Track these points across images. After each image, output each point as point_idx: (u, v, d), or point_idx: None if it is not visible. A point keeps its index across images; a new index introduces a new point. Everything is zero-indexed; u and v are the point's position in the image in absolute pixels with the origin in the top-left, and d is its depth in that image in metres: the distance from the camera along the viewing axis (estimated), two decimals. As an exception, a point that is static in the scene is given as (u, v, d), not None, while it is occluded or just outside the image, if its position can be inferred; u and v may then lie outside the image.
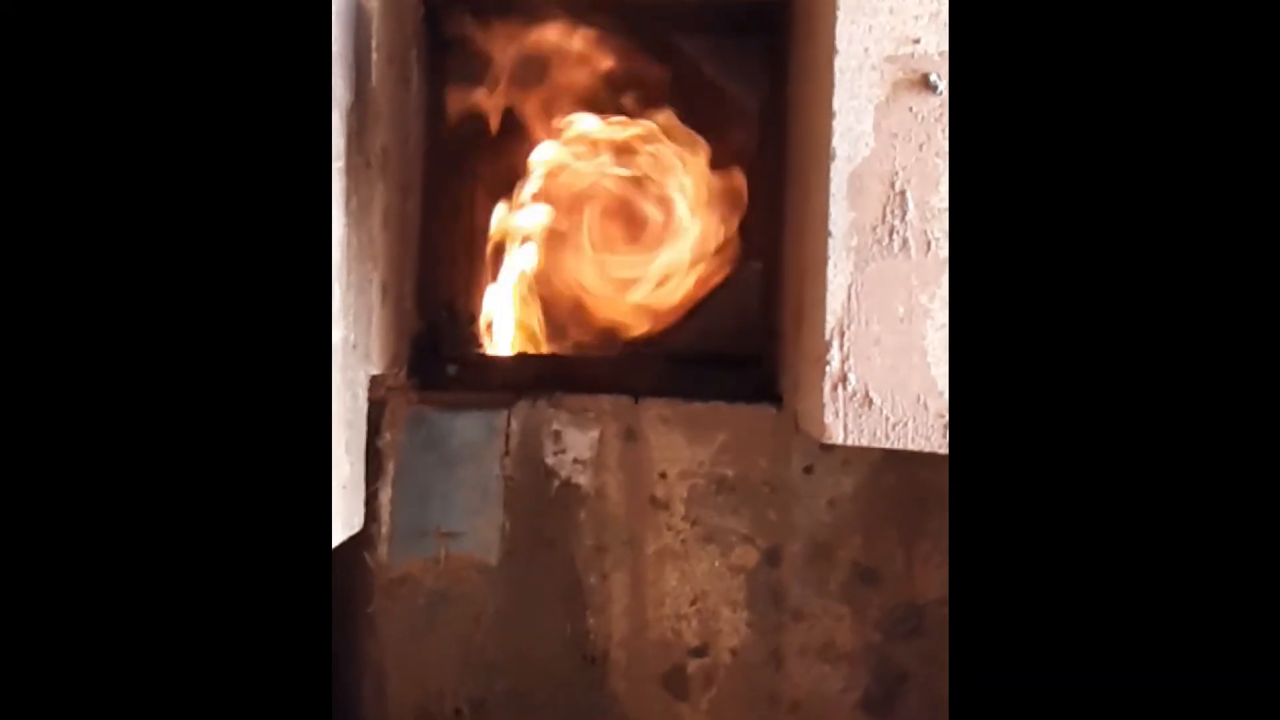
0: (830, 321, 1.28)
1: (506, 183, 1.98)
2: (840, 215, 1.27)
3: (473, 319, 1.92)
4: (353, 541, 1.51)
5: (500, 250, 2.00)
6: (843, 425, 1.29)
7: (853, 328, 1.28)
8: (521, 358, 1.95)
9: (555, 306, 1.99)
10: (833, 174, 1.27)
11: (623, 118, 1.95)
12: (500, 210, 1.96)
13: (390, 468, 1.79)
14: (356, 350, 1.41)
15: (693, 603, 1.82)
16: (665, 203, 1.96)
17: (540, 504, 1.82)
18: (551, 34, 1.89)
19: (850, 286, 1.28)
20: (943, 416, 1.26)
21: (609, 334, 1.97)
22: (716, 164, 1.93)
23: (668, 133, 1.94)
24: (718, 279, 1.95)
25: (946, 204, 1.25)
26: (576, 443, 1.81)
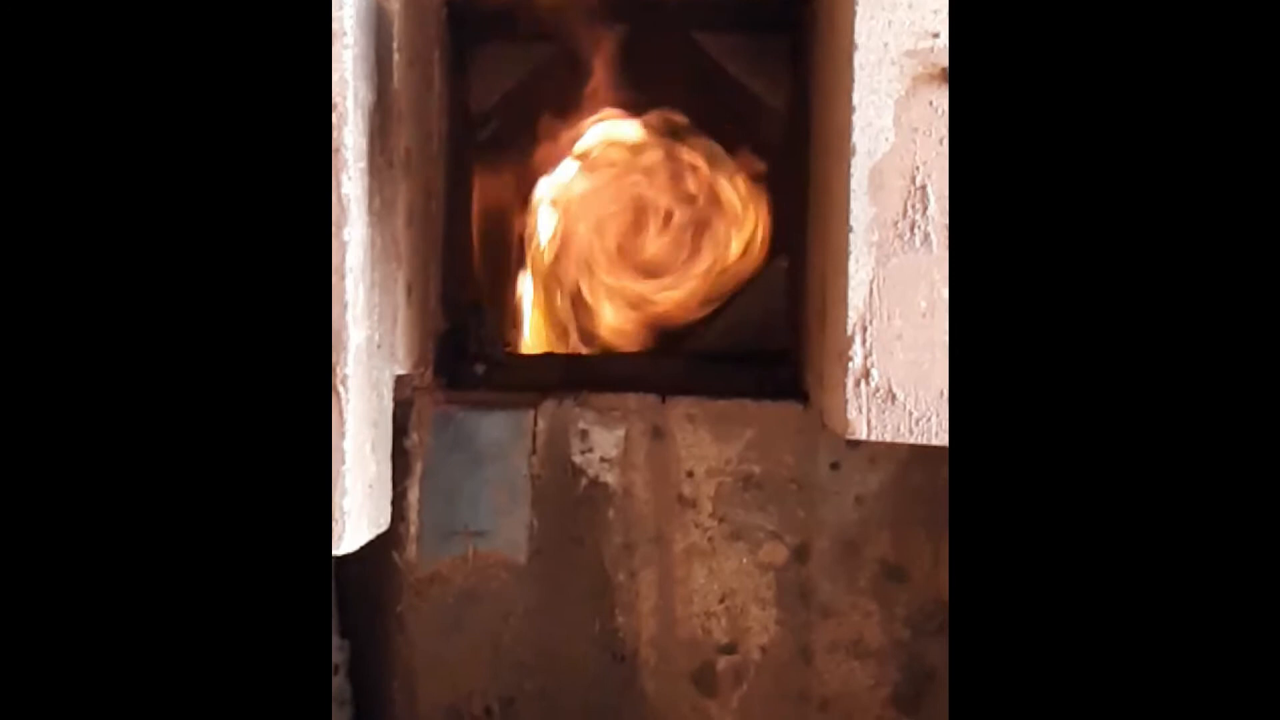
0: (852, 317, 1.28)
1: (531, 185, 1.99)
2: (861, 210, 1.27)
3: (499, 319, 1.93)
4: (381, 541, 1.51)
5: (526, 251, 2.01)
6: (866, 421, 1.29)
7: (875, 323, 1.27)
8: (547, 357, 1.96)
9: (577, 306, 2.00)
10: (853, 169, 1.27)
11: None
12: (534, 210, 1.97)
13: (417, 467, 1.80)
14: (381, 350, 1.42)
15: (721, 600, 1.82)
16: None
17: (568, 503, 1.82)
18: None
19: (872, 282, 1.28)
20: (966, 411, 1.26)
21: (634, 333, 1.98)
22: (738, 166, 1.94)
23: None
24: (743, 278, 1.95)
25: (967, 198, 1.24)
26: (603, 441, 1.82)
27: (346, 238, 1.26)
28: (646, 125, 1.98)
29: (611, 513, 1.82)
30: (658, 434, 1.81)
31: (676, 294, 1.98)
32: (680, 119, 1.96)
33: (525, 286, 2.02)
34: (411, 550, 1.82)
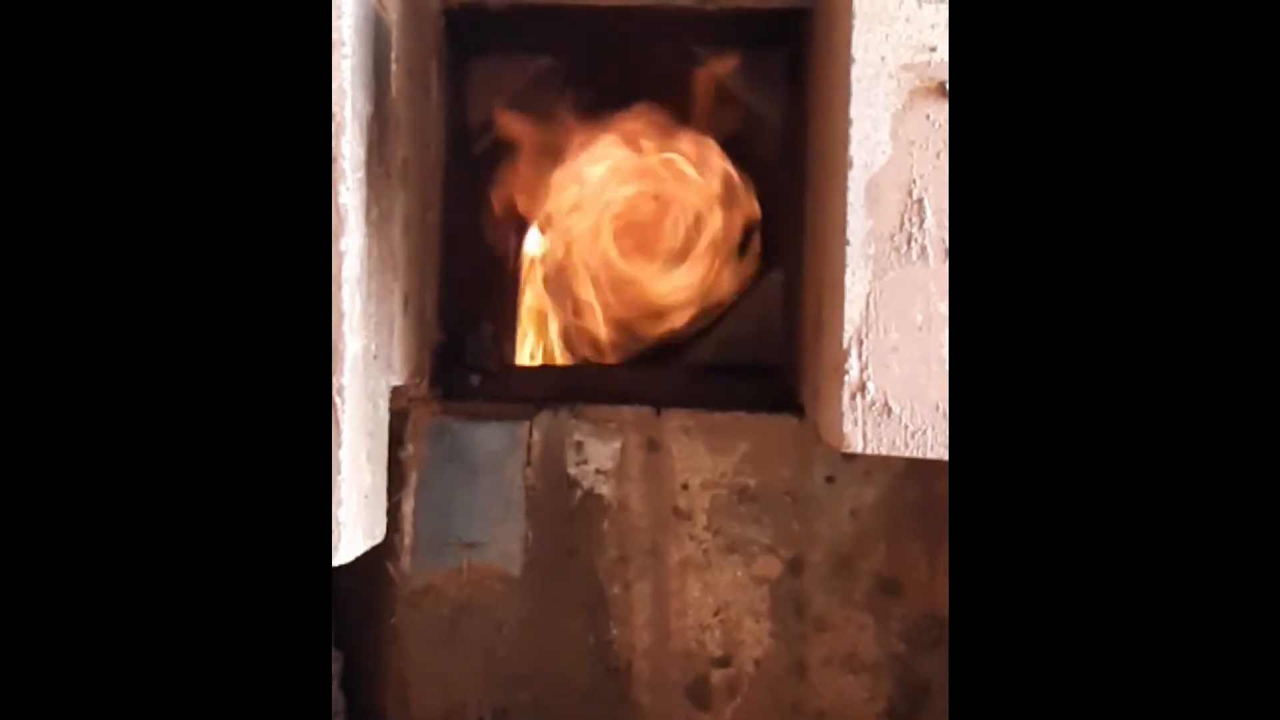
0: (848, 330, 1.28)
1: (531, 196, 1.99)
2: (858, 224, 1.27)
3: (495, 330, 1.93)
4: (375, 552, 1.51)
5: (524, 261, 2.01)
6: (862, 434, 1.29)
7: (871, 336, 1.27)
8: (543, 369, 1.96)
9: (576, 315, 2.00)
10: (850, 182, 1.27)
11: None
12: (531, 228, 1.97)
13: (412, 478, 1.80)
14: (378, 360, 1.41)
15: (716, 613, 1.82)
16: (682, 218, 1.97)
17: (563, 514, 1.82)
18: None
19: (868, 295, 1.27)
20: (961, 425, 1.26)
21: (630, 343, 1.97)
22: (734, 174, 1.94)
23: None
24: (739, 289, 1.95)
25: (964, 212, 1.24)
26: (598, 453, 1.81)
27: (344, 248, 1.26)
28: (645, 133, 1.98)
29: (606, 525, 1.82)
30: (653, 446, 1.81)
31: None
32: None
33: (523, 297, 2.01)
34: (406, 561, 1.82)
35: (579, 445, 1.81)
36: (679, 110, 1.95)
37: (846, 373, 1.28)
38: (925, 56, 1.25)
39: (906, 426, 1.27)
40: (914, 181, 1.26)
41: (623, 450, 1.81)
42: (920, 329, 1.27)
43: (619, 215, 1.99)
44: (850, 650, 1.81)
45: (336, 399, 1.26)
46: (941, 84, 1.24)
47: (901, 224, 1.26)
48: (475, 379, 1.87)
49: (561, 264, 2.00)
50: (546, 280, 2.02)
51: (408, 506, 1.80)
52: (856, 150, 1.27)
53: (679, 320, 1.97)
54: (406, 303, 1.58)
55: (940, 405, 1.26)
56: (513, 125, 1.93)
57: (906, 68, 1.26)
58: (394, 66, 1.44)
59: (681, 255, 1.97)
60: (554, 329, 2.03)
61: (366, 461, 1.39)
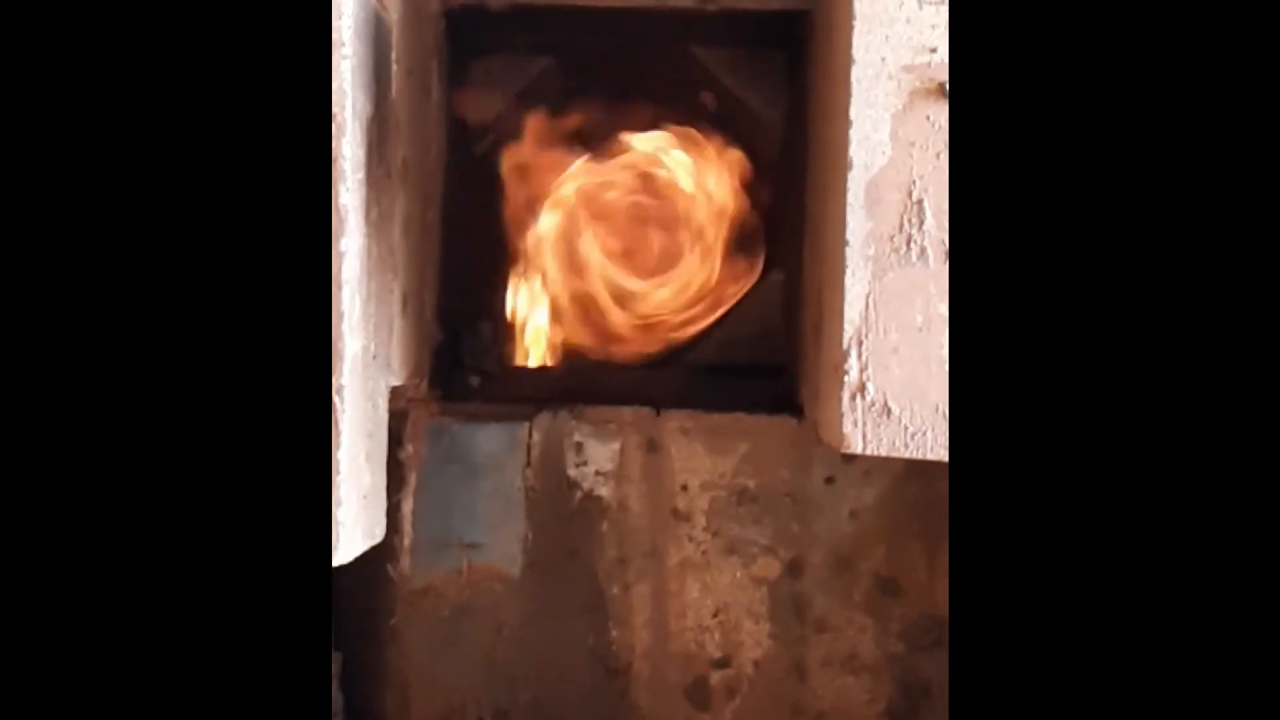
0: (848, 331, 1.28)
1: (530, 196, 1.99)
2: (858, 225, 1.27)
3: (495, 331, 1.92)
4: (374, 553, 1.51)
5: (523, 262, 2.00)
6: (861, 435, 1.29)
7: (871, 337, 1.27)
8: (543, 369, 1.96)
9: (574, 316, 2.00)
10: (850, 183, 1.27)
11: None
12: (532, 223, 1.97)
13: (412, 479, 1.80)
14: (377, 361, 1.41)
15: (715, 614, 1.82)
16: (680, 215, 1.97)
17: (562, 515, 1.82)
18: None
19: (868, 296, 1.27)
20: (961, 426, 1.26)
21: (628, 345, 1.97)
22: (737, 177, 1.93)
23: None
24: (739, 292, 1.95)
25: (964, 213, 1.24)
26: (598, 454, 1.81)
27: (344, 248, 1.26)
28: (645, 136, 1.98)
29: (605, 526, 1.82)
30: (652, 447, 1.81)
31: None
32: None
33: (522, 298, 2.01)
34: (405, 562, 1.82)
35: (579, 446, 1.81)
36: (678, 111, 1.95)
37: (846, 373, 1.28)
38: (925, 58, 1.25)
39: (906, 427, 1.27)
40: (914, 182, 1.26)
41: (622, 451, 1.81)
42: (920, 330, 1.27)
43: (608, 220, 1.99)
44: (850, 651, 1.81)
45: (336, 399, 1.26)
46: (941, 85, 1.24)
47: (901, 225, 1.26)
48: (474, 380, 1.87)
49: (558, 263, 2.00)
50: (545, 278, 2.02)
51: (407, 507, 1.80)
52: (856, 151, 1.27)
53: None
54: (406, 303, 1.58)
55: (940, 406, 1.26)
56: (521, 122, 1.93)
57: (907, 69, 1.26)
58: (394, 67, 1.44)
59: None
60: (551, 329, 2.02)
61: (365, 462, 1.39)
